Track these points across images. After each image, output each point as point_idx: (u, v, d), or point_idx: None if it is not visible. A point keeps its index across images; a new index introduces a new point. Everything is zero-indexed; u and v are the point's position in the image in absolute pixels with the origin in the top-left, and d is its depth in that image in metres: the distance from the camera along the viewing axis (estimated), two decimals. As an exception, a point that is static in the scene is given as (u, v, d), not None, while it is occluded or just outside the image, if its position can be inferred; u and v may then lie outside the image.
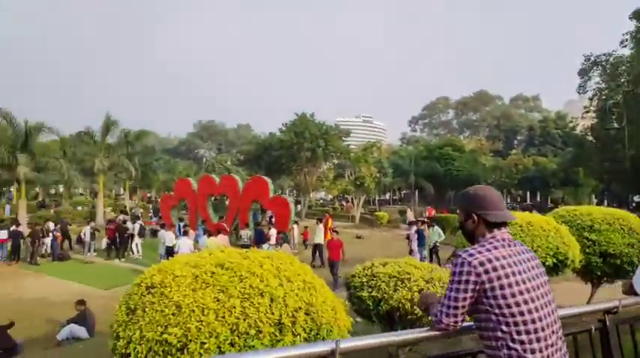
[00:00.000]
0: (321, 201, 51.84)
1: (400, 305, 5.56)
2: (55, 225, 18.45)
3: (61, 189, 46.64)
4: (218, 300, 4.31)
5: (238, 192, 19.74)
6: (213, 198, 22.01)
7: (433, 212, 33.41)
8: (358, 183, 30.07)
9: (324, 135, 33.42)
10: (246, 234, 15.64)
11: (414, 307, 5.51)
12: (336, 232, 20.20)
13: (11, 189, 42.36)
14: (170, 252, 15.22)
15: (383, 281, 5.89)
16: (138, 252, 18.47)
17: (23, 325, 9.23)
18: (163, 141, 74.66)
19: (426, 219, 23.60)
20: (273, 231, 16.20)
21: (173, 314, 4.20)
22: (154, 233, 23.48)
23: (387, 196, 56.48)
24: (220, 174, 26.69)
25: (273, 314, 4.36)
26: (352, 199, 31.78)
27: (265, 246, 15.41)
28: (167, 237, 15.40)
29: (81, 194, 52.05)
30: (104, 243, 19.34)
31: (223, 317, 4.19)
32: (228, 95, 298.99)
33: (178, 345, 4.04)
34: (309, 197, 38.29)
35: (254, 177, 21.36)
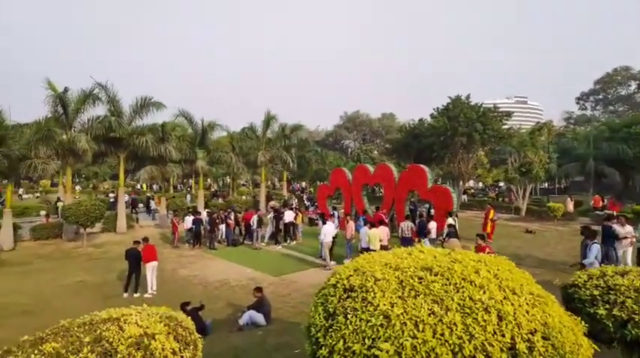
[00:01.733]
0: (472, 190, 48.17)
1: (661, 331, 4.17)
2: (229, 213, 20.15)
3: (228, 180, 52.22)
4: (433, 313, 3.57)
5: (394, 182, 19.06)
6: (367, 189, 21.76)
7: (601, 203, 28.03)
8: (524, 169, 26.76)
9: (482, 118, 30.61)
10: (407, 225, 14.80)
11: (685, 336, 4.08)
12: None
13: (190, 180, 49.09)
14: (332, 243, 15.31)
15: (628, 298, 4.50)
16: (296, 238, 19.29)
17: (209, 307, 9.95)
18: (312, 134, 78.05)
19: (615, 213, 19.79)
20: (433, 224, 15.07)
21: (382, 326, 3.60)
22: (310, 221, 24.42)
23: (546, 185, 49.87)
24: (366, 164, 26.38)
25: (504, 336, 3.43)
26: (517, 189, 28.45)
27: (426, 241, 14.42)
28: (327, 231, 15.27)
29: (243, 185, 57.57)
30: (268, 230, 20.59)
31: (442, 334, 3.43)
32: (369, 86, 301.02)
33: (390, 364, 3.47)
34: (463, 186, 35.72)
35: (410, 166, 20.41)
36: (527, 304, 3.67)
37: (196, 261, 16.16)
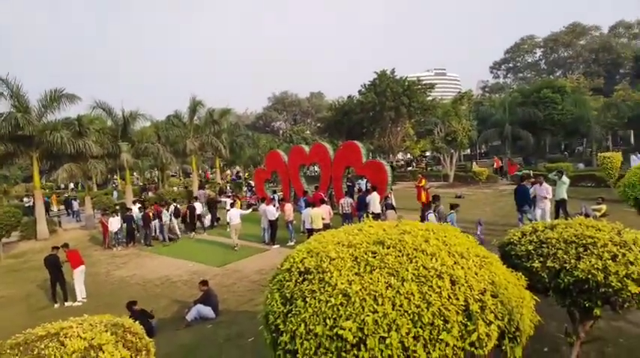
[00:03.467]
0: (401, 162, 50.03)
1: (590, 276, 4.54)
2: (163, 207, 19.27)
3: (156, 172, 49.86)
4: (390, 286, 3.60)
5: (330, 160, 19.20)
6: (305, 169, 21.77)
7: (500, 163, 32.24)
8: (449, 138, 28.18)
9: (407, 91, 31.63)
10: (347, 202, 15.04)
11: (609, 278, 4.48)
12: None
13: (115, 176, 46.22)
14: (274, 225, 15.24)
15: (559, 249, 4.85)
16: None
17: (151, 306, 9.50)
18: (242, 118, 76.41)
19: (531, 173, 21.55)
20: (374, 196, 15.40)
21: (342, 305, 3.57)
22: (249, 207, 24.07)
23: (469, 151, 53.15)
24: (300, 144, 26.41)
25: (457, 299, 3.55)
26: (444, 157, 29.94)
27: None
28: (269, 211, 15.31)
29: (172, 175, 55.32)
30: (207, 220, 20.03)
31: (401, 305, 3.48)
32: (295, 68, 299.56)
33: (354, 341, 3.46)
34: (394, 159, 36.95)
35: (345, 143, 20.62)
36: (475, 266, 3.82)
37: (132, 260, 15.34)
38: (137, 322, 4.72)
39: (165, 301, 10.40)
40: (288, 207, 15.89)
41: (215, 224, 19.75)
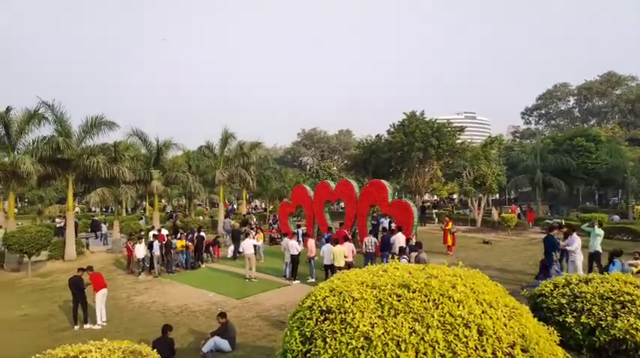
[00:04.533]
0: (428, 203, 49.35)
1: (628, 336, 4.28)
2: (187, 235, 19.46)
3: (183, 200, 50.77)
4: (415, 332, 3.49)
5: (355, 197, 19.16)
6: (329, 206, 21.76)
7: (518, 210, 32.52)
8: (478, 182, 27.75)
9: (436, 133, 31.63)
10: (371, 241, 14.84)
11: (651, 340, 4.20)
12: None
13: (144, 202, 47.29)
14: (296, 259, 15.14)
15: (594, 305, 4.61)
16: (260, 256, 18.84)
17: (172, 334, 9.41)
18: (270, 152, 77.76)
19: (562, 223, 20.84)
20: (399, 237, 15.14)
21: (363, 348, 3.46)
22: (272, 240, 24.10)
23: (497, 196, 52.06)
24: (326, 180, 26.53)
25: (485, 351, 3.39)
26: (472, 200, 29.41)
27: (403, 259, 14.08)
28: (291, 245, 15.27)
29: (199, 205, 56.18)
30: (230, 251, 20.09)
31: (425, 353, 3.34)
32: (325, 105, 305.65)
33: (374, 388, 3.33)
34: (421, 200, 36.56)
35: (372, 181, 20.58)
36: (504, 317, 3.67)
37: (154, 286, 15.39)
38: (156, 350, 4.72)
39: (184, 330, 10.32)
40: (311, 242, 15.84)
41: (238, 255, 19.74)
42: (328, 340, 3.57)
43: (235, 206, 47.25)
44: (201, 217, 36.14)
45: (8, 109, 19.52)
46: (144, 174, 25.48)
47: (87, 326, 11.17)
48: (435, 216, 33.01)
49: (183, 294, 13.94)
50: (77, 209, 44.20)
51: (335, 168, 56.98)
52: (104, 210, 51.94)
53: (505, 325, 3.59)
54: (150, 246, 17.86)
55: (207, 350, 8.69)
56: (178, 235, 19.26)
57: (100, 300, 11.55)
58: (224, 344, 8.80)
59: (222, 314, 9.29)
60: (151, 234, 20.05)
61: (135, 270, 17.62)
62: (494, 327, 3.47)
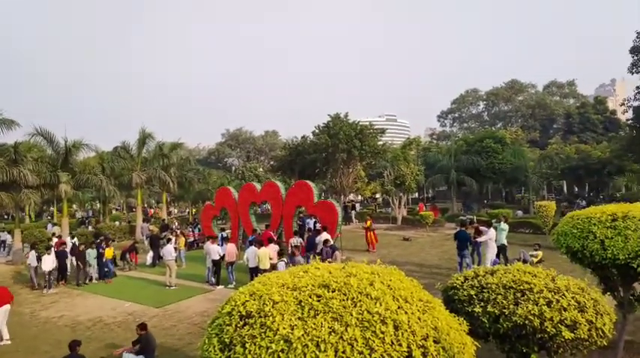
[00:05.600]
0: (351, 203, 50.72)
1: (527, 322, 4.67)
2: (100, 243, 18.11)
3: (97, 205, 47.43)
4: (334, 331, 3.51)
5: (281, 199, 19.10)
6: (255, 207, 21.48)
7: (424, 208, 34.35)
8: (398, 182, 29.00)
9: (359, 134, 32.53)
10: (296, 241, 14.89)
11: (544, 323, 4.62)
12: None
13: (51, 208, 43.40)
14: (218, 264, 14.75)
15: (498, 294, 4.98)
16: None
17: (82, 350, 8.71)
18: (193, 152, 75.13)
19: (474, 219, 22.46)
20: (324, 237, 15.32)
21: (282, 351, 3.42)
22: (192, 245, 23.23)
23: (416, 195, 54.98)
24: (252, 182, 26.27)
25: (400, 345, 3.52)
26: (392, 199, 30.66)
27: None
28: (212, 249, 14.87)
29: (116, 209, 52.83)
30: (149, 258, 19.10)
31: (344, 352, 3.38)
32: (248, 105, 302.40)
33: (294, 391, 3.30)
34: (345, 200, 37.39)
35: (297, 182, 20.65)
36: (418, 311, 3.83)
37: (62, 299, 14.12)
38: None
39: (96, 344, 9.58)
40: (230, 246, 15.32)
41: (158, 262, 18.80)
42: (248, 345, 3.49)
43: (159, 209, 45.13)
44: (117, 222, 33.97)
45: None
46: (50, 178, 23.31)
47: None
48: (353, 216, 33.91)
49: (95, 306, 12.95)
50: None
51: (261, 169, 56.42)
52: (5, 217, 46.94)
53: (419, 319, 3.74)
54: (59, 254, 16.43)
55: (122, 365, 8.15)
56: (102, 243, 17.67)
57: (2, 317, 10.39)
58: (142, 358, 8.30)
59: (142, 326, 8.72)
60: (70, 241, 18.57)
61: (40, 283, 16.02)
62: (409, 322, 3.60)
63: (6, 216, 46.81)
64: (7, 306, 10.57)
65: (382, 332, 3.42)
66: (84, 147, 25.35)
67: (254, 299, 3.91)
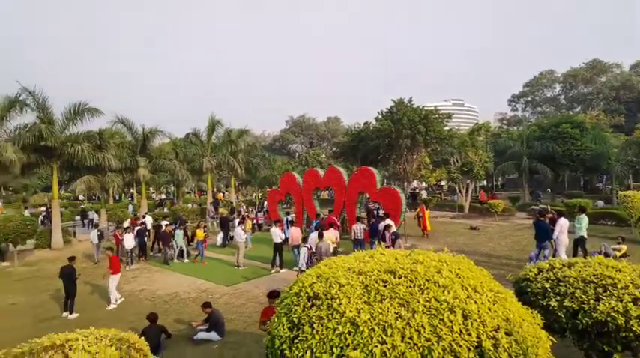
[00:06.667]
0: (416, 190, 49.71)
1: (609, 318, 4.37)
2: (178, 224, 19.32)
3: (171, 188, 50.49)
4: (401, 317, 3.52)
5: (344, 185, 19.18)
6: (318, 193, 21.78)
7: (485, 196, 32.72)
8: (465, 169, 27.97)
9: (424, 120, 31.70)
10: (359, 227, 14.91)
11: (630, 322, 4.30)
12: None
13: (132, 190, 46.89)
14: (279, 247, 15.12)
15: (577, 288, 4.71)
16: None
17: (160, 321, 9.40)
18: (259, 139, 77.32)
19: (549, 209, 21.15)
20: (386, 223, 15.21)
21: (349, 333, 3.50)
22: (259, 227, 24.13)
23: (485, 183, 52.63)
24: (315, 167, 26.55)
25: (470, 335, 3.45)
26: (459, 187, 29.67)
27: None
28: (274, 233, 15.30)
29: (188, 192, 55.86)
30: (219, 238, 20.03)
31: (411, 337, 3.39)
32: (312, 92, 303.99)
33: (361, 371, 3.37)
34: (409, 187, 36.80)
35: (360, 168, 20.61)
36: (488, 301, 3.73)
37: (142, 274, 15.32)
38: (144, 337, 4.71)
39: (173, 317, 10.33)
40: (294, 231, 15.67)
41: (227, 243, 19.71)
42: (315, 326, 3.60)
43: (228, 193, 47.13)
44: (189, 205, 36.01)
45: (-13, 98, 19.05)
46: (130, 162, 25.18)
47: (71, 316, 11.07)
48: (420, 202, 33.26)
49: (172, 282, 13.92)
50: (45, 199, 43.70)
51: (324, 155, 56.97)
52: (93, 198, 51.41)
53: (490, 309, 3.64)
54: (139, 233, 17.74)
55: (198, 339, 8.74)
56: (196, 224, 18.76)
57: (114, 283, 11.81)
58: (212, 335, 8.83)
59: (206, 304, 9.30)
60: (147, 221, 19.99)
61: (122, 259, 17.42)
62: (478, 311, 3.52)
63: (93, 197, 51.25)
64: (119, 275, 12.00)
65: (450, 321, 3.38)
66: (159, 134, 27.06)
67: (320, 282, 4.01)
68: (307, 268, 11.56)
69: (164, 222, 20.37)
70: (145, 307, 11.11)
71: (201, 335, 8.79)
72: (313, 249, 13.21)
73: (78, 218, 31.25)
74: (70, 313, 11.14)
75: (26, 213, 28.36)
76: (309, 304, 3.86)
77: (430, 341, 3.28)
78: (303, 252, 12.13)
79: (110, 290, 11.88)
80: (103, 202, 27.02)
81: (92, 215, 28.73)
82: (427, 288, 3.67)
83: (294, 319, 3.82)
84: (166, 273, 15.36)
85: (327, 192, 33.41)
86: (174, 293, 12.51)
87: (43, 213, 28.94)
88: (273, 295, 7.23)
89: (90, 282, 14.14)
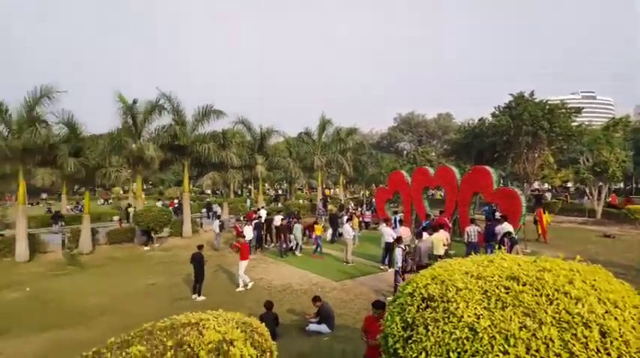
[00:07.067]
0: (537, 192, 45.50)
1: None
2: (291, 218, 20.25)
3: (284, 184, 53.17)
4: (525, 327, 3.30)
5: (456, 184, 18.40)
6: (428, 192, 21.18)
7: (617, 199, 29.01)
8: (598, 169, 24.86)
9: (548, 115, 28.91)
10: (473, 230, 14.17)
11: None
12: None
13: (249, 185, 50.45)
14: (390, 247, 15.04)
15: None
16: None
17: (275, 310, 10.00)
18: (367, 137, 77.48)
19: None
20: (506, 228, 14.25)
21: (467, 339, 3.38)
22: (366, 225, 24.22)
23: (622, 185, 46.05)
24: (424, 166, 25.78)
25: (609, 355, 3.14)
26: (590, 189, 26.49)
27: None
28: (385, 232, 15.20)
29: (299, 189, 58.29)
30: (328, 234, 20.59)
31: (537, 350, 3.16)
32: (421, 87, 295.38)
33: (479, 379, 3.24)
34: (529, 188, 33.90)
35: (474, 167, 19.62)
36: (632, 319, 3.31)
37: (259, 265, 16.39)
38: (264, 323, 5.07)
39: (286, 307, 10.93)
40: (403, 230, 15.45)
41: (336, 239, 20.19)
42: (430, 328, 3.54)
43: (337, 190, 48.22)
44: (301, 200, 37.63)
45: (135, 102, 21.91)
46: (249, 160, 27.14)
47: (199, 298, 12.28)
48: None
49: (286, 274, 14.72)
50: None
51: (433, 153, 55.12)
52: (216, 192, 56.39)
53: (634, 328, 3.24)
54: (255, 226, 19.02)
55: (310, 330, 9.15)
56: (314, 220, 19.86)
57: (243, 268, 13.10)
58: (322, 328, 9.16)
59: (316, 298, 9.67)
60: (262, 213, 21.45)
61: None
62: (620, 329, 3.16)
63: (217, 192, 56.18)
64: (247, 261, 13.28)
65: (585, 337, 3.08)
66: (274, 134, 28.74)
67: (436, 283, 3.92)
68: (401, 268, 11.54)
69: (278, 216, 21.56)
70: (262, 295, 11.91)
71: (313, 326, 9.18)
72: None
73: (204, 210, 34.54)
74: (198, 295, 12.39)
75: (158, 204, 32.10)
76: (424, 305, 3.80)
77: (560, 356, 3.02)
78: (398, 252, 11.99)
79: (240, 275, 13.09)
80: (225, 196, 29.56)
81: (216, 207, 31.52)
82: (556, 299, 3.38)
83: (408, 319, 3.80)
84: (280, 265, 16.28)
85: (442, 191, 32.27)
86: (287, 284, 13.22)
87: (175, 205, 32.54)
88: (377, 305, 6.81)
89: (215, 269, 15.53)
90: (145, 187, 61.47)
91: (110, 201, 51.91)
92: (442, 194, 24.94)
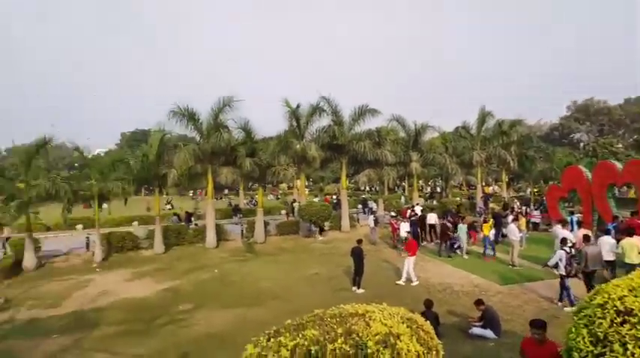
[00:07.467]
0: None
1: None
2: (450, 217, 19.64)
3: (439, 181, 51.53)
4: None
5: (653, 181, 15.45)
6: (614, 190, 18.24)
7: None
8: None
9: None
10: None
11: None
12: None
13: (403, 182, 50.31)
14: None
15: None
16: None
17: (435, 310, 9.85)
18: (533, 129, 69.95)
19: None
20: None
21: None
22: (535, 226, 21.94)
23: None
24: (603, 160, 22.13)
25: None
26: None
27: None
28: (561, 234, 13.53)
29: (456, 186, 55.82)
30: (491, 235, 19.25)
31: None
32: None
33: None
34: None
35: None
36: None
37: (416, 263, 16.24)
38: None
39: (446, 308, 10.68)
40: (581, 233, 13.51)
41: (499, 239, 18.80)
42: (630, 347, 3.15)
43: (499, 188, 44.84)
44: (458, 198, 36.08)
45: (298, 106, 23.83)
46: (403, 157, 27.12)
47: (359, 291, 12.76)
48: None
49: (444, 274, 14.41)
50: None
51: (620, 145, 47.06)
52: (372, 189, 57.74)
53: None
54: (411, 223, 18.97)
55: (474, 334, 8.82)
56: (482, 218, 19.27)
57: (411, 264, 13.45)
58: (487, 333, 8.73)
59: (479, 301, 9.24)
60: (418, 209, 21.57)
61: (397, 246, 19.00)
62: None
63: (372, 188, 57.49)
64: (414, 257, 13.66)
65: None
66: (429, 129, 28.13)
67: (635, 296, 3.45)
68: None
69: (431, 214, 21.11)
70: (420, 293, 11.85)
71: (477, 330, 8.82)
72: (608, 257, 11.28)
73: (359, 206, 35.70)
74: (358, 288, 12.93)
75: (315, 199, 34.28)
76: (619, 320, 3.38)
77: None
78: (561, 254, 10.61)
79: (408, 271, 13.35)
80: (380, 193, 30.06)
81: (371, 204, 32.31)
82: None
83: (599, 334, 3.43)
84: (438, 263, 15.96)
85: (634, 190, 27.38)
86: (447, 284, 12.90)
87: (334, 201, 34.36)
88: (536, 325, 5.49)
89: (374, 263, 15.89)
90: (306, 184, 66.48)
91: (279, 196, 57.38)
92: (636, 193, 21.08)
